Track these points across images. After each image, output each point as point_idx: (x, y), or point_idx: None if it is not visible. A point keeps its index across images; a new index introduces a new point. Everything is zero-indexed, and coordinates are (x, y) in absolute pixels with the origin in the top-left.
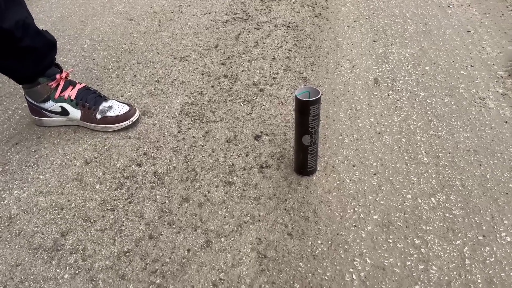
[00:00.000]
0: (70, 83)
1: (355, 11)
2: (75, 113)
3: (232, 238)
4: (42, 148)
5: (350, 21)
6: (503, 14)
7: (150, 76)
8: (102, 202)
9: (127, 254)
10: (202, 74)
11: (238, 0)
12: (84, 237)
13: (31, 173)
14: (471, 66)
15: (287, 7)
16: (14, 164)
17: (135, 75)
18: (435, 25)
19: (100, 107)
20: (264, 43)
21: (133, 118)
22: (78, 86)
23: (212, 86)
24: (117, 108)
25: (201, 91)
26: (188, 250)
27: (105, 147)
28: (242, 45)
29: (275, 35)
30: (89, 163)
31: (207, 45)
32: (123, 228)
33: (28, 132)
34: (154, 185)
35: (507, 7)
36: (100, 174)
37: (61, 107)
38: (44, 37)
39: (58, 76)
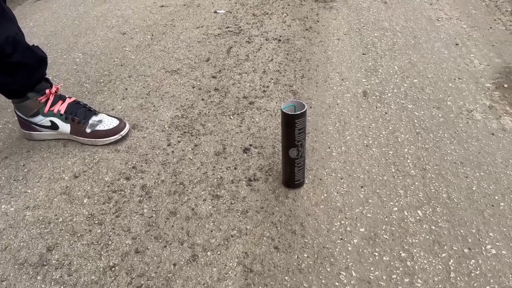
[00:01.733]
0: (60, 98)
1: (346, 24)
2: (65, 127)
3: (219, 252)
4: (31, 162)
5: (341, 35)
6: (491, 27)
7: (141, 89)
8: (90, 216)
9: (113, 268)
10: (193, 87)
11: (230, 14)
12: (70, 251)
13: (19, 187)
14: (459, 78)
15: (279, 20)
16: (3, 178)
17: (126, 89)
18: (424, 38)
19: (90, 121)
20: (255, 56)
21: (123, 132)
22: (68, 101)
23: (203, 99)
24: (106, 122)
25: (192, 104)
26: (174, 265)
27: (94, 161)
28: (233, 58)
29: (266, 49)
30: (77, 177)
31: (199, 58)
32: (110, 243)
33: (18, 146)
34: (142, 198)
35: (495, 20)
36: (89, 188)
37: (51, 121)
38: (34, 53)
39: (47, 91)
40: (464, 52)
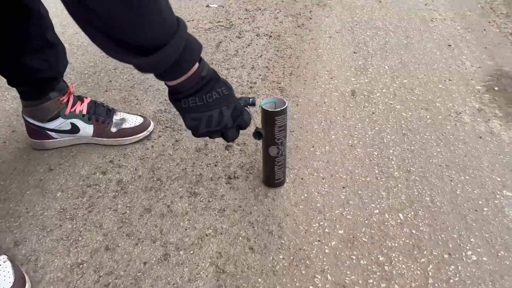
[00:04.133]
0: (78, 98)
1: (339, 22)
2: (87, 129)
3: (192, 252)
4: (6, 154)
5: (333, 32)
6: (485, 29)
7: (125, 82)
8: (62, 210)
9: (81, 266)
10: None
11: (223, 8)
12: (38, 247)
13: None
14: (449, 80)
15: (271, 16)
16: None
17: (110, 81)
18: (416, 38)
19: (114, 120)
20: (244, 52)
21: (150, 128)
22: (86, 100)
23: None
24: (131, 120)
25: None
26: (145, 263)
27: (72, 154)
28: (222, 53)
29: (256, 44)
30: (53, 169)
31: None
32: (80, 239)
33: None
34: (116, 194)
35: (489, 22)
36: (63, 181)
37: (72, 123)
38: (59, 38)
39: (71, 88)
40: (456, 54)
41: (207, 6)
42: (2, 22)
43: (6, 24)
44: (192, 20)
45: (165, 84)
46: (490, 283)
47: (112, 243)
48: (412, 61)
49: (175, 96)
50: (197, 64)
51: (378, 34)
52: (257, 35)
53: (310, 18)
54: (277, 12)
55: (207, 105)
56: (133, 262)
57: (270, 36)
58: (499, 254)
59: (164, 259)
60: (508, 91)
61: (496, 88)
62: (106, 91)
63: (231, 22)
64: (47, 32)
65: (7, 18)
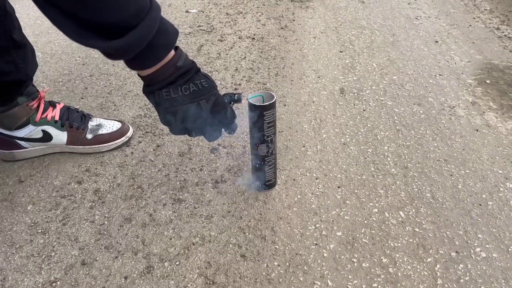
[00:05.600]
0: (50, 103)
1: (322, 23)
2: (60, 136)
3: (177, 263)
4: None
5: (317, 33)
6: (470, 25)
7: (102, 88)
8: (33, 224)
9: (54, 284)
10: None
11: (203, 13)
12: (6, 265)
13: None
14: (440, 75)
15: (253, 19)
16: None
17: (86, 88)
18: (402, 35)
19: (89, 126)
20: (227, 54)
21: (129, 134)
22: (58, 106)
23: None
24: (108, 125)
25: None
26: (126, 278)
27: (44, 164)
28: (204, 56)
29: (239, 47)
30: (23, 181)
31: None
32: (53, 254)
33: None
34: (93, 204)
35: (474, 18)
36: (34, 193)
37: (43, 131)
38: (27, 38)
39: (41, 93)
40: (444, 49)
41: (187, 11)
42: None
43: None
44: None
45: (138, 75)
46: (503, 280)
47: (89, 257)
48: (400, 58)
49: (148, 88)
50: (173, 52)
51: (363, 33)
52: (239, 38)
53: (293, 20)
54: (259, 15)
55: (183, 98)
56: (113, 277)
57: (253, 39)
58: (510, 249)
59: (147, 272)
60: (500, 83)
61: (487, 81)
62: (82, 98)
63: (212, 26)
64: (13, 31)
65: None
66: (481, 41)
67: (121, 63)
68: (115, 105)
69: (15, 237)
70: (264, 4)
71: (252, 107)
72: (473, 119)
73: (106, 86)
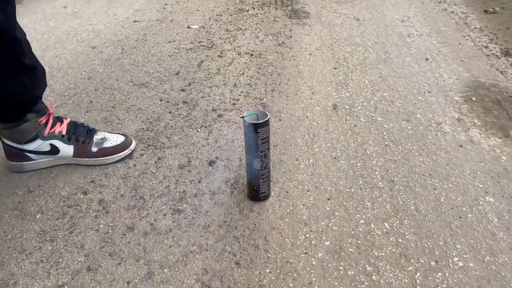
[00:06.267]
0: (57, 119)
1: (318, 40)
2: (67, 149)
3: (176, 269)
4: None
5: (313, 50)
6: (460, 43)
7: (106, 102)
8: (41, 232)
9: None
10: (161, 100)
11: (204, 29)
12: (17, 270)
13: None
14: (429, 92)
15: (252, 36)
16: None
17: (91, 102)
18: (395, 53)
19: (94, 140)
20: (226, 70)
21: (132, 147)
22: (66, 121)
23: (170, 112)
24: (112, 139)
25: (158, 117)
26: (128, 283)
27: (52, 175)
28: (204, 72)
29: (238, 63)
30: (32, 191)
31: (169, 72)
32: (60, 260)
33: None
34: (98, 213)
35: (464, 36)
36: (43, 203)
37: (51, 145)
38: (37, 60)
39: (50, 109)
40: (434, 67)
41: (188, 27)
42: None
43: None
44: (174, 41)
45: None
46: None
47: (94, 264)
48: (392, 74)
49: None
50: None
51: (357, 50)
52: (238, 54)
53: (290, 37)
54: (258, 32)
55: None
56: (116, 282)
57: (252, 55)
58: (485, 259)
59: (148, 278)
60: (485, 101)
61: (473, 99)
62: (87, 112)
63: (212, 42)
64: (23, 57)
65: None
66: (470, 59)
67: (124, 78)
68: (119, 119)
69: (25, 244)
70: (263, 21)
71: (247, 124)
72: (458, 135)
73: (110, 100)
